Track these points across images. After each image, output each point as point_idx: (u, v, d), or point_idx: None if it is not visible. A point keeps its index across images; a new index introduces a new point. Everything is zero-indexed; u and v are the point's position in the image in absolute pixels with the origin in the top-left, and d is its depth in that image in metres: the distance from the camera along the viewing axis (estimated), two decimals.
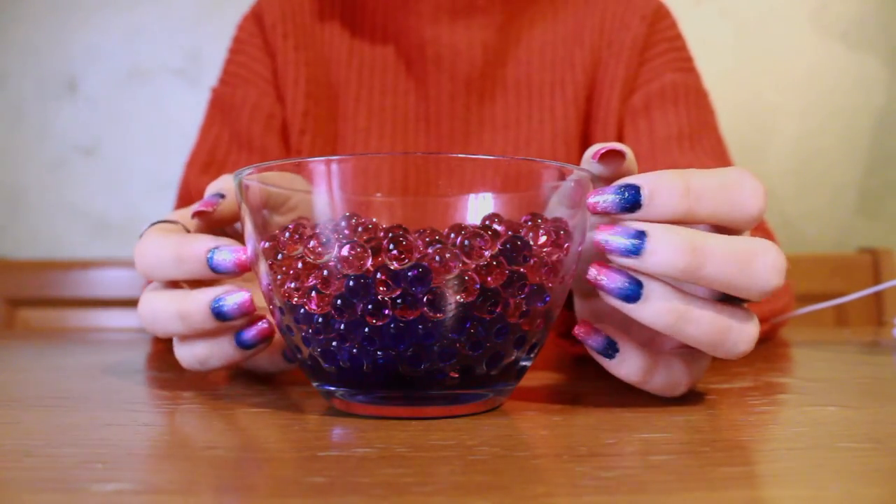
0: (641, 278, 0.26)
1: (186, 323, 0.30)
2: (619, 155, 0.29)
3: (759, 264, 0.26)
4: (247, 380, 0.37)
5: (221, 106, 0.65)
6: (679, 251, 0.25)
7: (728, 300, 0.28)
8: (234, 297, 0.30)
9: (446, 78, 0.65)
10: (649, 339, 0.31)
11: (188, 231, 0.34)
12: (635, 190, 0.26)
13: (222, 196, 0.34)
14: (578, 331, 0.29)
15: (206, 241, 0.31)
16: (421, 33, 0.65)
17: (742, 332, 0.27)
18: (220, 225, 0.35)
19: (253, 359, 0.34)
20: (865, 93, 1.15)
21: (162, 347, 0.52)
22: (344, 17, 0.68)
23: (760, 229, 0.59)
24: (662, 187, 0.26)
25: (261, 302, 0.33)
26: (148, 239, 0.32)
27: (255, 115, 0.63)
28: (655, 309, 0.26)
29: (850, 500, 0.18)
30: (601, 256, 0.27)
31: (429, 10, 0.64)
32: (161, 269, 0.31)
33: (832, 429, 0.25)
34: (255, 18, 0.68)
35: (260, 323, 0.31)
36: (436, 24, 0.64)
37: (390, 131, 0.65)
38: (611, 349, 0.28)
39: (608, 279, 0.26)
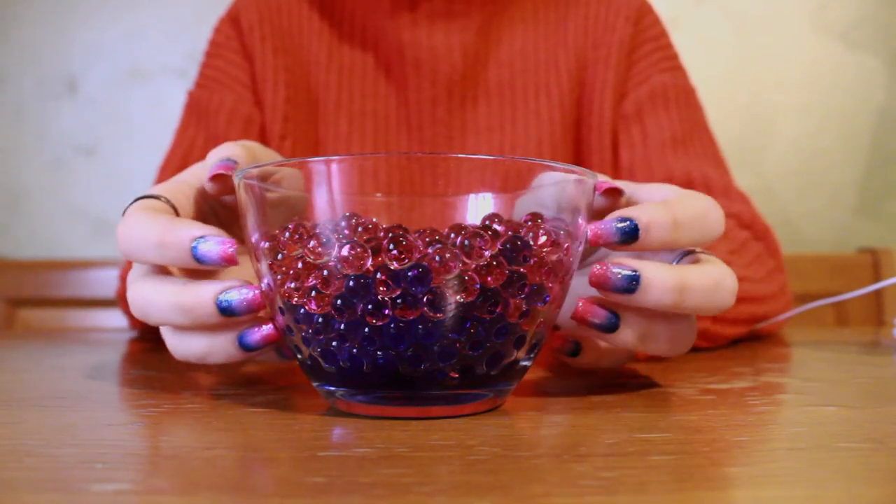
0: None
1: (189, 316, 0.29)
2: (618, 192, 0.33)
3: (722, 291, 0.30)
4: (247, 380, 0.37)
5: (197, 110, 0.64)
6: (668, 291, 0.29)
7: None
8: (241, 292, 0.29)
9: (427, 82, 0.64)
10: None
11: (173, 207, 0.33)
12: (634, 223, 0.29)
13: (235, 162, 0.33)
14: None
15: (192, 229, 0.29)
16: (399, 37, 0.64)
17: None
18: (232, 192, 0.33)
19: None
20: (865, 93, 1.15)
21: (148, 348, 0.52)
22: (322, 20, 0.67)
23: (739, 199, 0.61)
24: (655, 222, 0.29)
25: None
26: (133, 218, 0.31)
27: (232, 120, 0.63)
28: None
29: (850, 500, 0.18)
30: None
31: (406, 13, 0.64)
32: (143, 252, 0.30)
33: (832, 429, 0.26)
34: (232, 21, 0.67)
35: (265, 327, 0.30)
36: (414, 27, 0.64)
37: (372, 137, 0.64)
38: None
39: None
